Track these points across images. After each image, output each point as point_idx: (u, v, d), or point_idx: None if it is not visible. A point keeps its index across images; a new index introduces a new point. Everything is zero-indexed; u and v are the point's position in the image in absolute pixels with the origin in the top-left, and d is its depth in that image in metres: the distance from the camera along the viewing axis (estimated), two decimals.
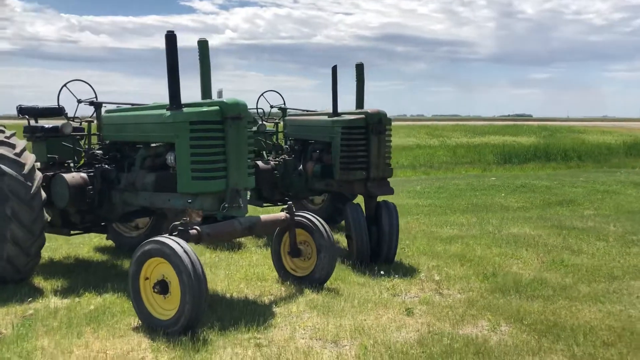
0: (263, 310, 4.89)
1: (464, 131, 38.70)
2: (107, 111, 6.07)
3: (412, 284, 5.83)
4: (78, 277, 6.01)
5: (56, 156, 6.24)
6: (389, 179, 6.84)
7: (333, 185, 7.03)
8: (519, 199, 11.97)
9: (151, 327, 4.46)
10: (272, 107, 8.76)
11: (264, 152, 8.36)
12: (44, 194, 5.67)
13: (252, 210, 7.37)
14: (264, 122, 8.65)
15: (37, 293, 5.42)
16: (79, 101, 6.49)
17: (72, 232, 6.24)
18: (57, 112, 6.73)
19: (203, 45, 5.46)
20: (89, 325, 4.57)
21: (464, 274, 6.17)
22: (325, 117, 7.04)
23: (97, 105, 6.43)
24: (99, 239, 7.80)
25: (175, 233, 4.61)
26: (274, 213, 5.74)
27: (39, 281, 5.86)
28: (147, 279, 4.55)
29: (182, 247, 4.35)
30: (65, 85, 6.41)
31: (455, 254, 7.04)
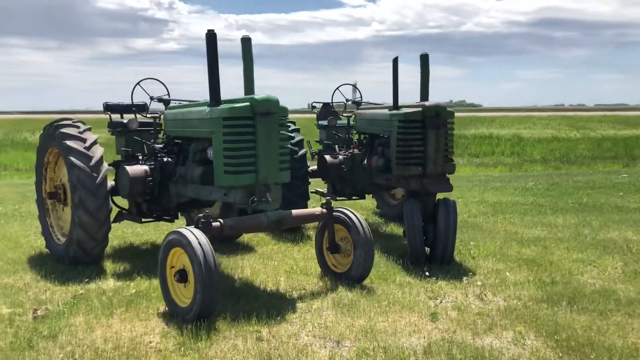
0: (284, 304, 4.93)
1: (613, 122, 35.28)
2: (169, 107, 6.44)
3: (457, 287, 5.51)
4: (142, 262, 6.46)
5: (129, 149, 6.75)
6: (449, 175, 6.50)
7: (392, 180, 6.84)
8: (639, 200, 10.70)
9: (173, 313, 4.70)
10: (347, 100, 8.71)
11: (336, 146, 8.34)
12: (109, 184, 6.18)
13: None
14: (341, 116, 8.63)
15: (98, 274, 5.92)
16: (152, 98, 6.97)
17: (143, 220, 6.72)
18: (140, 108, 7.28)
19: (246, 42, 5.58)
20: (124, 307, 4.93)
21: (521, 280, 5.70)
22: (386, 111, 6.85)
23: (166, 102, 6.85)
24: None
25: (199, 225, 4.80)
26: (312, 208, 5.73)
27: (107, 264, 6.40)
28: (172, 267, 4.80)
29: (197, 238, 4.52)
30: (138, 83, 6.92)
31: (526, 258, 6.52)
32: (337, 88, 8.63)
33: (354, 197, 8.47)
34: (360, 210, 9.78)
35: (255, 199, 5.10)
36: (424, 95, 6.83)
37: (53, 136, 6.40)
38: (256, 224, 5.14)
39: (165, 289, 4.80)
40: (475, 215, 9.33)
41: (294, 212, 5.40)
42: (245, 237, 7.53)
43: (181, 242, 4.59)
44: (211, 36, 5.28)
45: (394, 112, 6.63)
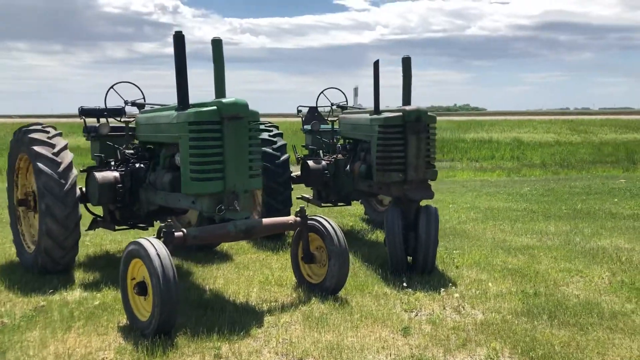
0: (251, 318, 4.71)
1: (615, 126, 34.97)
2: (141, 112, 6.24)
3: (435, 299, 5.28)
4: (113, 271, 6.24)
5: (102, 155, 6.55)
6: (431, 182, 6.29)
7: (374, 187, 6.62)
8: (634, 206, 10.45)
9: (133, 327, 4.49)
10: (332, 105, 8.50)
11: (320, 152, 8.13)
12: (78, 191, 5.98)
13: (312, 210, 7.04)
14: (326, 120, 8.43)
15: (65, 285, 5.71)
16: (126, 102, 6.77)
17: (116, 227, 6.51)
18: (116, 113, 7.07)
19: (217, 44, 5.36)
20: (83, 320, 4.72)
21: (504, 291, 5.47)
22: (367, 115, 6.64)
23: (140, 106, 6.65)
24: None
25: (160, 235, 4.59)
26: (284, 216, 5.51)
27: (77, 273, 6.19)
28: (133, 279, 4.59)
29: (156, 250, 4.31)
30: (112, 87, 6.72)
31: (512, 268, 6.29)
32: (322, 92, 8.43)
33: (339, 204, 8.26)
34: (347, 217, 9.58)
35: (223, 208, 4.89)
36: (406, 99, 6.61)
37: (22, 141, 6.21)
38: (223, 233, 4.93)
39: (126, 301, 4.59)
40: (465, 222, 9.10)
41: (265, 220, 5.19)
42: (224, 245, 7.32)
43: (140, 253, 4.38)
44: (179, 38, 5.10)
45: (374, 116, 6.43)
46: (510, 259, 6.70)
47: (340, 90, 8.43)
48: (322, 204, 8.19)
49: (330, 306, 5.02)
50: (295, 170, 8.10)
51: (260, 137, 7.39)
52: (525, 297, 5.28)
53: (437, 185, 14.23)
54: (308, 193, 8.80)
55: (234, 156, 4.91)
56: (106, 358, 4.02)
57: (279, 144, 7.59)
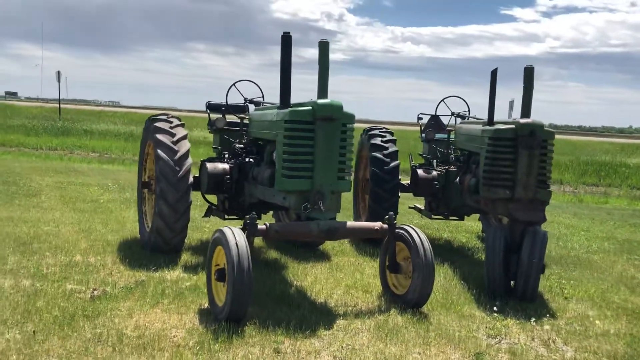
0: (323, 319, 4.69)
1: None
2: (255, 109, 6.51)
3: (526, 328, 4.87)
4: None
5: (219, 147, 6.94)
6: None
7: (480, 202, 6.26)
8: None
9: (211, 311, 4.70)
10: (452, 114, 8.19)
11: (434, 161, 7.87)
12: (191, 179, 6.38)
13: (419, 220, 6.93)
14: (446, 130, 8.15)
15: (169, 264, 6.11)
16: (245, 100, 7.11)
17: (226, 216, 6.85)
18: (241, 109, 7.46)
19: (324, 46, 5.43)
20: (171, 298, 5.03)
21: (611, 332, 4.90)
22: (480, 126, 6.31)
23: (257, 104, 6.94)
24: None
25: (245, 226, 4.75)
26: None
27: (184, 255, 6.60)
28: (217, 265, 4.80)
29: (235, 238, 4.47)
30: (234, 84, 7.10)
31: (631, 308, 5.64)
32: (443, 100, 8.16)
33: (451, 218, 7.93)
34: (462, 233, 9.18)
35: (309, 206, 4.95)
36: (526, 112, 6.17)
37: (149, 129, 6.78)
38: (305, 231, 4.97)
39: (209, 286, 4.82)
40: (594, 252, 8.29)
41: (349, 224, 5.15)
42: (327, 245, 7.38)
43: (222, 241, 4.57)
44: (286, 39, 5.24)
45: (486, 127, 6.09)
46: (634, 298, 5.98)
47: (462, 99, 8.12)
48: (432, 216, 7.93)
49: (408, 319, 4.85)
50: (408, 179, 7.94)
51: (373, 142, 7.41)
52: (633, 341, 4.68)
53: (579, 209, 13.19)
54: (421, 203, 8.57)
55: (323, 157, 4.95)
56: (176, 336, 4.25)
57: (390, 150, 7.49)
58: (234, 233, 4.54)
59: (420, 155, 8.69)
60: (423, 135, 8.42)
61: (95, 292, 5.10)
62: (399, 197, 7.48)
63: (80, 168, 15.94)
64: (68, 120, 35.61)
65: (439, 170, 7.41)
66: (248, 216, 4.78)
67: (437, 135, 7.94)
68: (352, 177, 5.52)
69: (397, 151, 7.58)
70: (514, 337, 4.66)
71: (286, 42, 5.25)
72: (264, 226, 4.81)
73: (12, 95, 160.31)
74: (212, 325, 4.41)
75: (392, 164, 7.41)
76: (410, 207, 8.75)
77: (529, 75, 6.16)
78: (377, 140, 7.58)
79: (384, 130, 7.91)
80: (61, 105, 39.85)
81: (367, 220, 7.25)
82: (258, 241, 7.71)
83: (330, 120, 4.94)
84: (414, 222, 9.75)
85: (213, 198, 6.94)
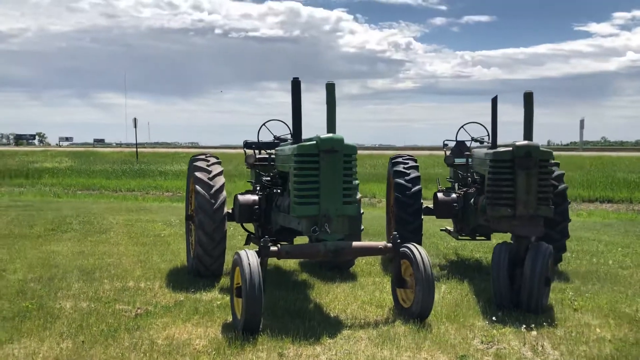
0: (331, 330, 5.25)
1: None
2: (279, 145, 7.25)
3: (520, 335, 5.23)
4: None
5: (253, 181, 7.72)
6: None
7: (490, 221, 6.66)
8: None
9: (233, 324, 5.39)
10: (472, 139, 8.60)
11: (456, 185, 8.30)
12: (225, 210, 7.17)
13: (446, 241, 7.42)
14: (466, 154, 8.57)
15: (206, 286, 6.87)
16: (275, 137, 7.88)
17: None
18: (268, 145, 8.24)
19: (331, 87, 6.12)
20: (202, 315, 5.76)
21: (607, 338, 5.16)
22: (485, 150, 6.75)
23: (283, 140, 7.69)
24: None
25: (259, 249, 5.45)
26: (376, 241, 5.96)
27: (222, 278, 7.35)
28: (237, 283, 5.49)
29: (249, 259, 5.16)
30: (264, 124, 7.90)
31: (628, 318, 5.79)
32: (462, 126, 8.61)
33: (478, 238, 8.30)
34: (482, 251, 9.44)
35: (317, 229, 5.58)
36: (527, 135, 6.58)
37: (191, 167, 7.67)
38: (313, 252, 5.60)
39: (232, 302, 5.51)
40: (626, 267, 8.38)
41: (355, 244, 5.73)
42: (358, 266, 7.92)
43: (237, 262, 5.28)
44: (296, 83, 5.99)
45: (489, 151, 6.53)
46: None
47: (482, 125, 8.52)
48: (459, 237, 8.32)
49: (409, 329, 5.32)
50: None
51: (396, 169, 7.98)
52: (622, 346, 4.94)
53: (625, 226, 12.96)
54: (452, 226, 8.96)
55: (328, 184, 5.59)
56: (199, 344, 4.95)
57: (412, 175, 8.00)
58: (248, 255, 5.23)
59: (447, 179, 9.14)
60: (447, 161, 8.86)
61: (139, 311, 5.91)
62: (422, 219, 7.95)
63: (150, 207, 17.29)
64: (145, 162, 38.10)
65: (458, 193, 7.84)
66: (262, 239, 5.47)
67: (457, 160, 8.37)
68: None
69: (419, 176, 8.09)
70: (505, 343, 5.04)
71: (296, 86, 5.99)
72: (276, 248, 5.48)
73: (100, 142, 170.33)
74: (231, 335, 5.08)
75: (414, 189, 7.92)
76: (441, 230, 9.16)
77: (528, 100, 6.58)
78: (400, 167, 8.13)
79: (408, 157, 8.45)
80: (138, 149, 42.65)
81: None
82: (293, 265, 8.38)
83: (332, 152, 5.59)
84: (448, 243, 10.12)
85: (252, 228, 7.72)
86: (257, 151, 7.93)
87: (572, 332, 5.35)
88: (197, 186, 7.18)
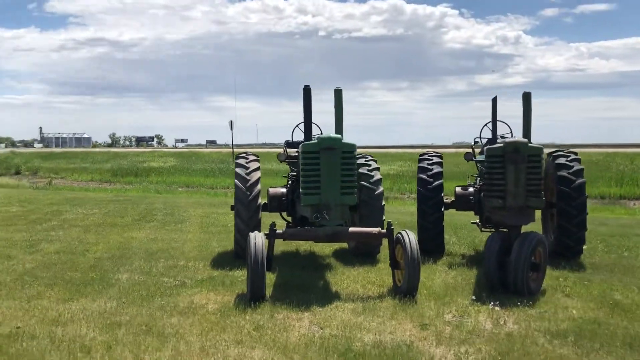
0: (324, 302, 6.11)
1: None
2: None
3: (492, 312, 5.81)
4: (278, 260, 8.25)
5: (286, 176, 8.76)
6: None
7: (490, 212, 7.20)
8: None
9: (246, 294, 6.43)
10: (495, 136, 9.01)
11: (477, 179, 8.80)
12: (259, 201, 8.24)
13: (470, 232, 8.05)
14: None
15: (240, 265, 7.96)
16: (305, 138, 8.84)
17: None
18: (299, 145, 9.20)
19: (338, 93, 7.02)
20: (226, 286, 6.84)
21: (576, 316, 5.64)
22: (486, 147, 7.30)
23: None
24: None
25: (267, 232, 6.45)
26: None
27: None
28: None
29: (255, 239, 6.17)
30: (297, 126, 8.89)
31: (628, 304, 6.14)
32: (486, 124, 9.08)
33: (501, 229, 8.74)
34: None
35: (319, 216, 6.50)
36: (526, 133, 7.06)
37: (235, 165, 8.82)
38: (312, 235, 6.53)
39: (247, 275, 6.56)
40: None
41: (351, 229, 6.57)
42: (384, 255, 8.69)
43: (247, 242, 6.31)
44: (307, 90, 6.97)
45: (486, 147, 7.09)
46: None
47: (504, 123, 8.95)
48: (482, 229, 8.83)
49: (394, 303, 6.07)
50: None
51: (420, 165, 8.68)
52: (583, 322, 5.41)
53: None
54: None
55: (327, 177, 6.50)
56: (212, 307, 6.02)
57: (434, 171, 8.64)
58: (255, 236, 6.24)
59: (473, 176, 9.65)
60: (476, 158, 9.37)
61: (177, 282, 7.12)
62: (443, 212, 8.56)
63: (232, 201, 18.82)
64: None
65: (475, 187, 8.38)
66: (271, 223, 6.47)
67: (479, 157, 8.87)
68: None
69: (441, 172, 8.70)
70: (474, 316, 5.67)
71: (307, 92, 6.96)
72: (280, 230, 6.46)
73: (212, 143, 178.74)
74: (240, 302, 6.12)
75: (435, 183, 8.55)
76: (472, 223, 9.69)
77: (527, 99, 7.07)
78: (424, 164, 8.79)
79: (434, 154, 9.07)
80: (234, 150, 45.12)
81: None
82: (325, 250, 9.29)
83: (331, 149, 6.49)
84: (476, 236, 10.55)
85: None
86: (288, 149, 8.95)
87: (545, 312, 5.84)
88: (235, 180, 8.31)
